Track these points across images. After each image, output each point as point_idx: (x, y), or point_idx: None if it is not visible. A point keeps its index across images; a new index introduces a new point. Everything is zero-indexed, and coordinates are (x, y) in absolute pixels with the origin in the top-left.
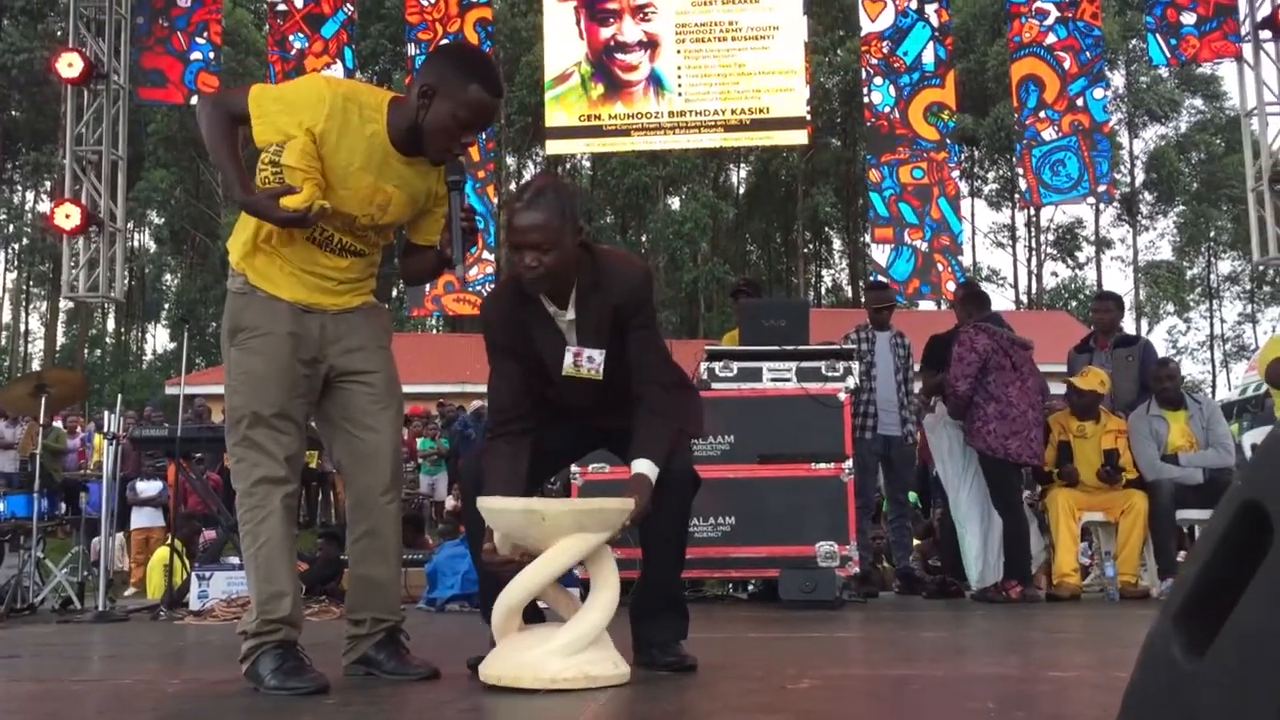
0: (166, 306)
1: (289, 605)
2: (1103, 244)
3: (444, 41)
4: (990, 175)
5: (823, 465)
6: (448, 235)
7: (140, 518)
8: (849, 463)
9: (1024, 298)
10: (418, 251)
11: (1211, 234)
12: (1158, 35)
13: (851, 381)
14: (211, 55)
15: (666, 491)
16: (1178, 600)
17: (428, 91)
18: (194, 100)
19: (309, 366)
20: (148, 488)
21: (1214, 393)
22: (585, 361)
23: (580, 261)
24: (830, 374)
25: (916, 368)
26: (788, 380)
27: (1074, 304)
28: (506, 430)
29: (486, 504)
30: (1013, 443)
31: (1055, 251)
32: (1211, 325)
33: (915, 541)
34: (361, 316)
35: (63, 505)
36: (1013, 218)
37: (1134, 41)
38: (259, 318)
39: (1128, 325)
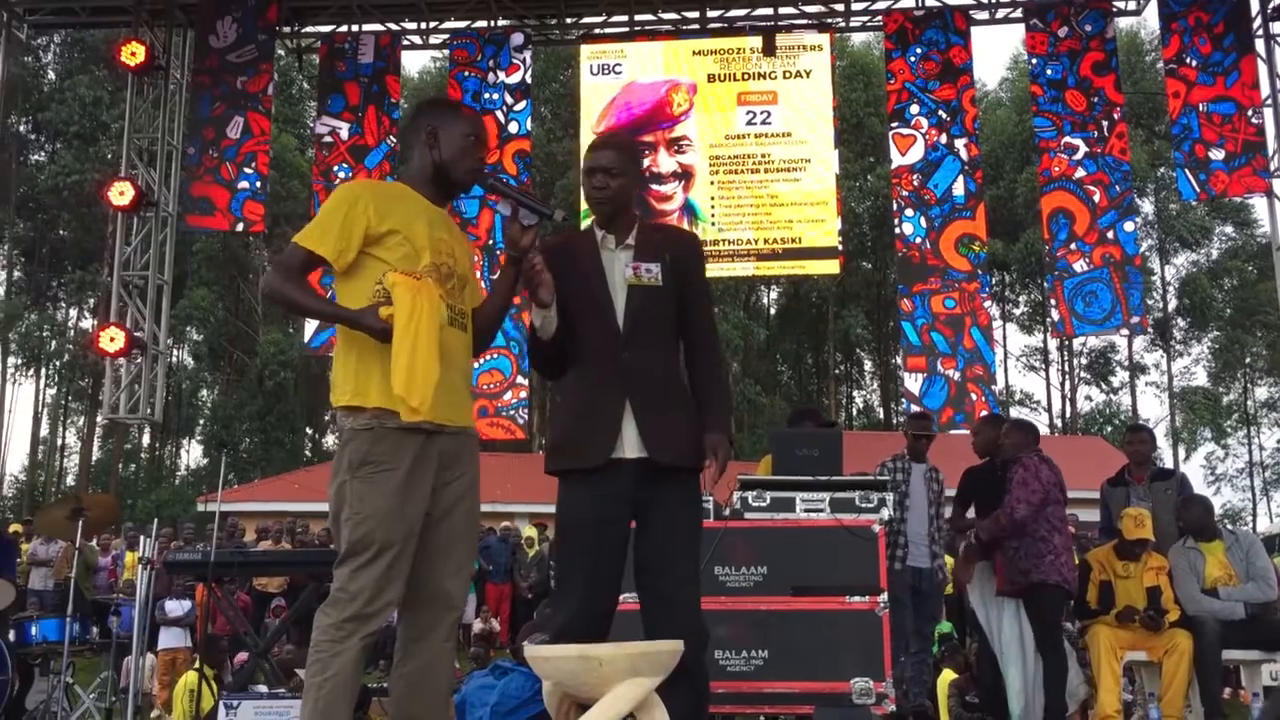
0: (201, 422)
1: None
2: (1137, 369)
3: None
4: (1021, 300)
5: (857, 599)
6: (516, 226)
7: (167, 638)
8: (884, 596)
9: (1058, 422)
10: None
11: (1247, 360)
12: (1187, 170)
13: (885, 513)
14: (259, 184)
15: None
16: None
17: (432, 131)
18: (239, 227)
19: (423, 500)
20: (176, 607)
21: (1254, 521)
22: (644, 272)
23: (641, 213)
24: (864, 505)
25: (949, 494)
26: (821, 511)
27: (1109, 429)
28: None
29: (537, 653)
30: (1073, 577)
31: (1089, 376)
32: (1250, 452)
33: (951, 676)
34: (466, 444)
35: (94, 629)
36: (1045, 342)
37: (1162, 169)
38: (388, 453)
39: (1164, 452)
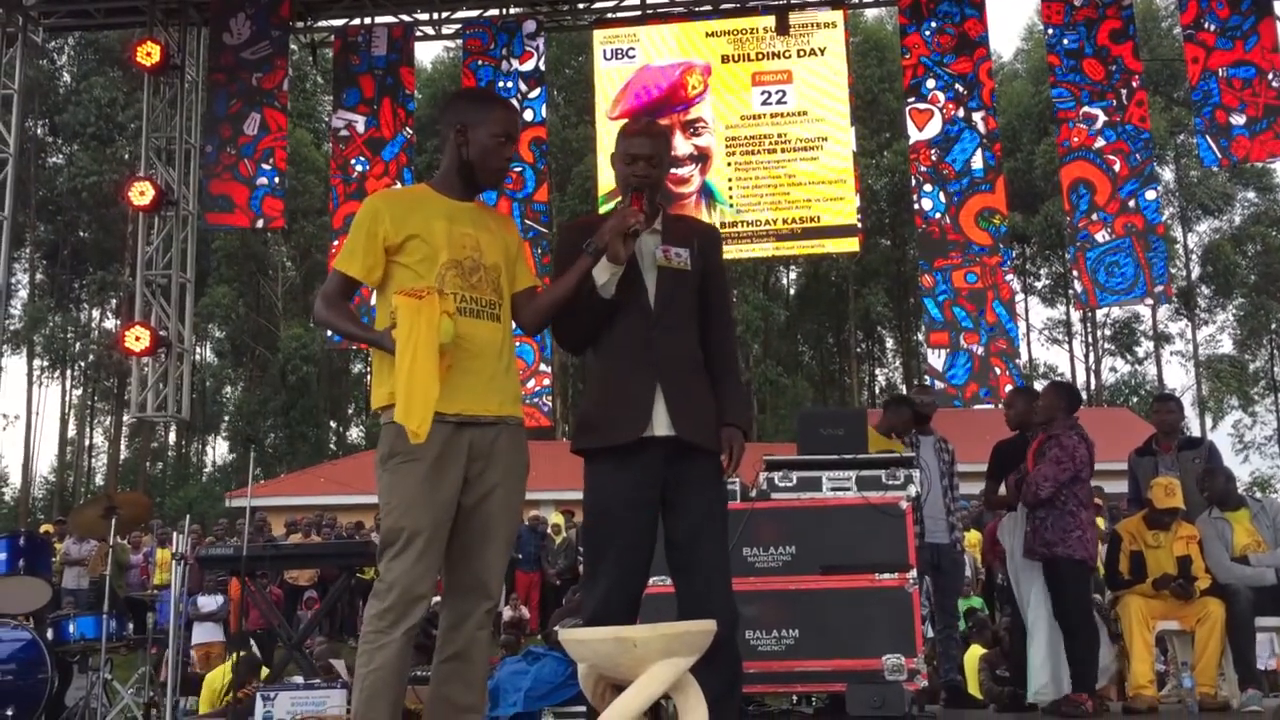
0: (226, 418)
1: None
2: (1161, 339)
3: None
4: (1043, 272)
5: (886, 575)
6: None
7: (200, 633)
8: (913, 573)
9: (1083, 394)
10: (529, 296)
11: (1273, 326)
12: (1208, 137)
13: (913, 489)
14: (277, 180)
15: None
16: None
17: (461, 129)
18: (259, 223)
19: (452, 489)
20: (208, 602)
21: None
22: (674, 255)
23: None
24: (891, 482)
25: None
26: (848, 489)
27: (1134, 400)
28: None
29: (572, 636)
30: (1095, 553)
31: (1113, 347)
32: (1278, 419)
33: (980, 651)
34: (506, 441)
35: (130, 626)
36: (1068, 313)
37: (1181, 136)
38: (412, 445)
39: (1190, 421)
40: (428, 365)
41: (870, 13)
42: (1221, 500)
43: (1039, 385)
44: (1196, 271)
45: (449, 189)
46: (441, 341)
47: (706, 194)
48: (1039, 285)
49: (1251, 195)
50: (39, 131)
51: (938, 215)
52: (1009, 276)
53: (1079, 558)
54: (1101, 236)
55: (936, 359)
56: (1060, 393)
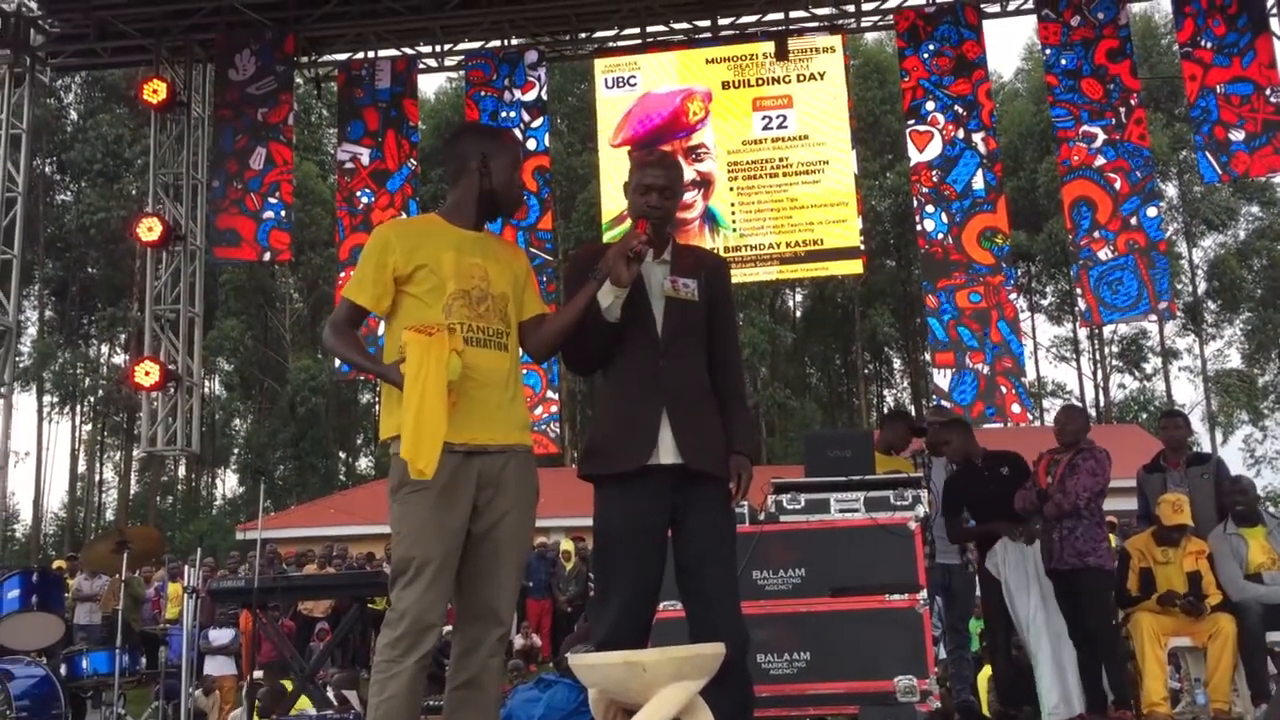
0: (236, 451)
1: None
2: (1169, 355)
3: None
4: (1048, 290)
5: (897, 596)
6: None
7: (212, 667)
8: (923, 593)
9: (1092, 411)
10: (538, 323)
11: None
12: (1207, 153)
13: (921, 510)
14: (283, 214)
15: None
16: None
17: (484, 160)
18: (266, 256)
19: (461, 517)
20: (220, 636)
21: None
22: (682, 287)
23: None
24: (899, 503)
25: None
26: (856, 511)
27: (1144, 416)
28: None
29: (583, 661)
30: None
31: (1121, 364)
32: None
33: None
34: (515, 469)
35: (143, 660)
36: (1074, 331)
37: (1184, 152)
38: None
39: (1201, 436)
40: (436, 403)
41: (870, 35)
42: (1240, 513)
43: (1047, 404)
44: (1203, 286)
45: (459, 219)
46: (449, 379)
47: (709, 219)
48: (1045, 303)
49: (1256, 209)
50: (46, 169)
51: (940, 236)
52: (1013, 295)
53: (1109, 568)
54: (1104, 254)
55: (942, 379)
56: (1081, 415)
